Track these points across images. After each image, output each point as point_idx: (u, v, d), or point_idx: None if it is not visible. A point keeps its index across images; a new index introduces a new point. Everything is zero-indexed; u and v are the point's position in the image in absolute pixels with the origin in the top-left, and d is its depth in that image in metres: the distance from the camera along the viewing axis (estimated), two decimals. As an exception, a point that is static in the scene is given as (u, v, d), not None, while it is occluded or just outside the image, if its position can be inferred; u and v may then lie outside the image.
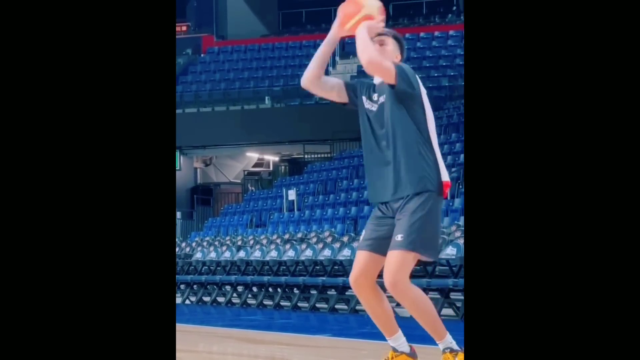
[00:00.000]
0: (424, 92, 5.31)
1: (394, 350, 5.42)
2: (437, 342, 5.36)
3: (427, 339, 10.26)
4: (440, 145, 23.93)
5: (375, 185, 5.36)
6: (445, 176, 5.23)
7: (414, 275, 13.87)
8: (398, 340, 5.43)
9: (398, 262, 5.13)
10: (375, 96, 5.33)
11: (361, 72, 32.63)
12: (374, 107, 5.33)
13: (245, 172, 36.38)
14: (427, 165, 5.19)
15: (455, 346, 5.31)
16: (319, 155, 31.42)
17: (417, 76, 5.31)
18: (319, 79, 5.42)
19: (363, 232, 5.45)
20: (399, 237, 5.13)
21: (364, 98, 5.39)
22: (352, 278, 5.39)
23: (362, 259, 5.35)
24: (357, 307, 13.54)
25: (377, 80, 5.37)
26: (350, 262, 14.16)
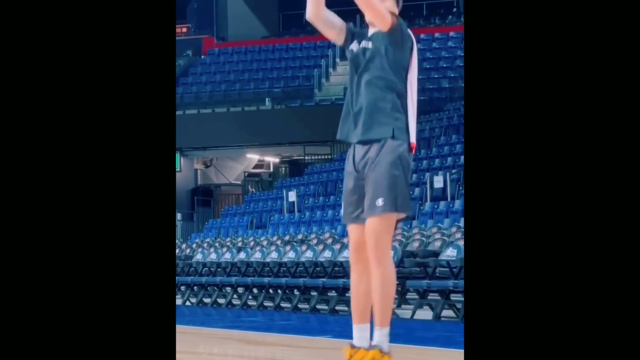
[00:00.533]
0: (414, 55, 5.33)
1: (352, 346, 5.34)
2: (377, 328, 5.28)
3: (425, 341, 10.24)
4: (440, 146, 23.92)
5: (345, 124, 5.41)
6: (412, 137, 5.26)
7: (414, 277, 13.89)
8: (362, 331, 5.35)
9: (382, 226, 5.11)
10: (363, 42, 5.37)
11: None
12: (356, 49, 5.38)
13: (246, 174, 36.41)
14: (399, 116, 5.21)
15: (386, 347, 5.23)
16: (319, 157, 31.45)
17: (412, 38, 5.35)
18: (321, 11, 5.44)
19: (343, 205, 5.43)
20: (379, 202, 5.10)
21: (355, 42, 5.43)
22: (350, 252, 5.39)
23: (353, 232, 5.34)
24: (358, 309, 13.53)
25: (371, 31, 5.40)
26: (351, 263, 14.17)
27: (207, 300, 17.11)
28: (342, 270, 14.52)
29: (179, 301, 17.23)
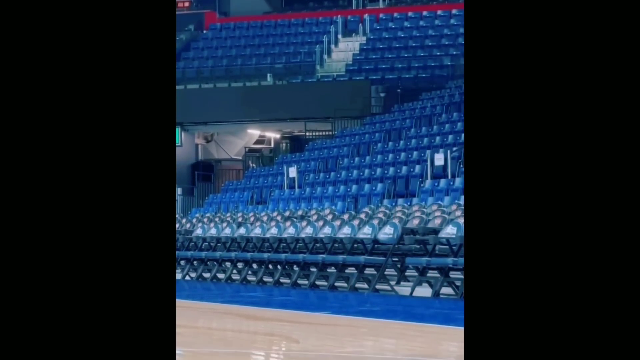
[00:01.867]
0: None
1: None
2: None
3: (424, 317, 10.26)
4: (442, 124, 23.94)
5: None
6: None
7: (413, 254, 13.91)
8: None
9: None
10: None
11: (363, 51, 32.63)
12: None
13: (247, 149, 36.37)
14: None
15: None
16: (321, 133, 31.41)
17: None
18: None
19: None
20: None
21: None
22: None
23: None
24: (357, 285, 13.57)
25: None
26: (350, 240, 14.20)
27: (206, 275, 17.15)
28: (341, 246, 14.54)
29: (178, 275, 17.26)
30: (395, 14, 34.60)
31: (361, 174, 22.09)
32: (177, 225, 20.64)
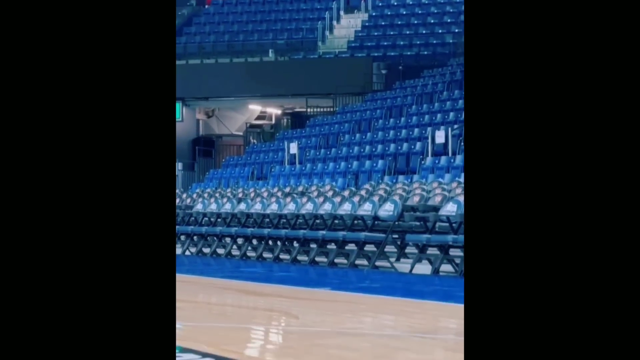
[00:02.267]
0: None
1: None
2: None
3: (423, 294, 10.27)
4: (443, 101, 23.87)
5: None
6: None
7: (413, 231, 13.91)
8: None
9: None
10: None
11: (365, 28, 32.58)
12: None
13: (248, 125, 36.39)
14: None
15: None
16: (322, 109, 31.43)
17: None
18: None
19: None
20: None
21: None
22: None
23: None
24: (357, 262, 13.59)
25: None
26: (351, 216, 14.21)
27: (206, 250, 17.18)
28: (341, 223, 14.56)
29: (178, 250, 17.29)
30: (398, -9, 34.60)
31: (362, 150, 22.10)
32: (177, 201, 20.67)
